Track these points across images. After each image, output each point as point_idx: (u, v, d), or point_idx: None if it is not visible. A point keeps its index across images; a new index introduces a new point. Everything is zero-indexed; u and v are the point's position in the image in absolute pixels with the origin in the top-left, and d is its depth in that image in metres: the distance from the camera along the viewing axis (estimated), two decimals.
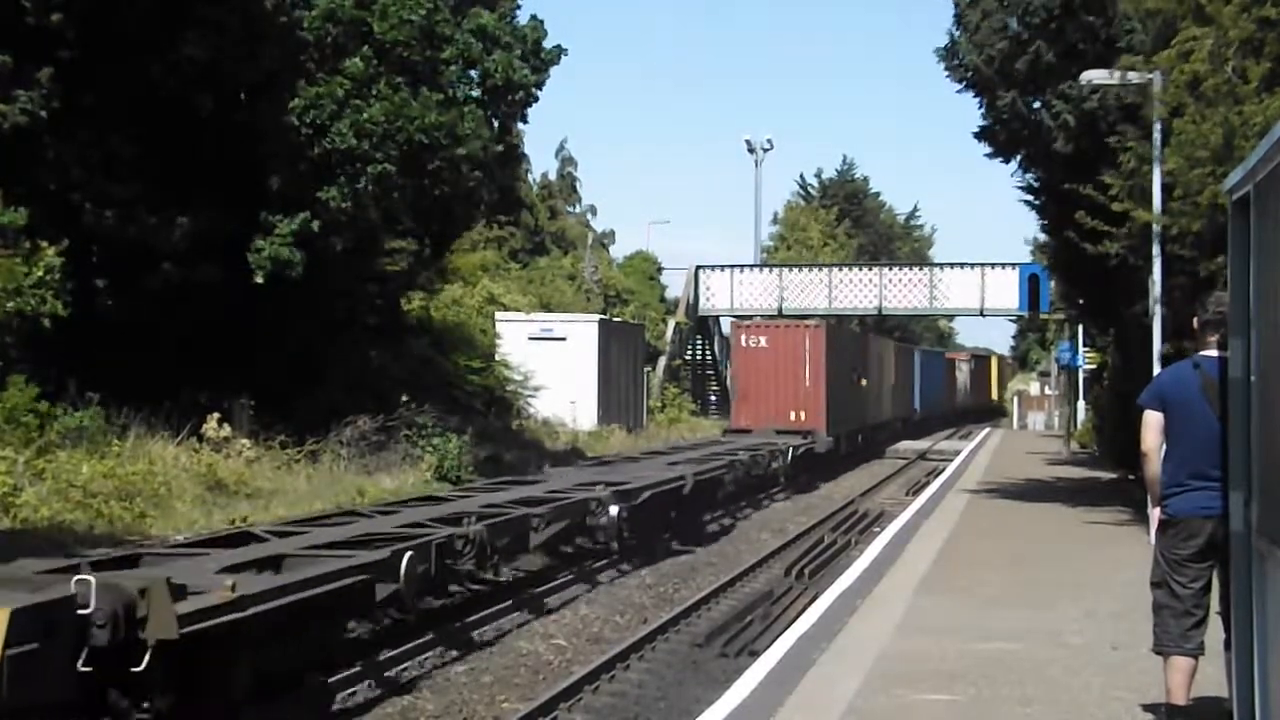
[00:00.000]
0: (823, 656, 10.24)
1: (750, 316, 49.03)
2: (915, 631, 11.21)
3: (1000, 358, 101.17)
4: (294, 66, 24.77)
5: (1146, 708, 8.40)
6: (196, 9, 22.71)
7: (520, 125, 32.21)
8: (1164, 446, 7.44)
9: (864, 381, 41.24)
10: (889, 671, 9.61)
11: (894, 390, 50.05)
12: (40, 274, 19.50)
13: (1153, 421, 7.45)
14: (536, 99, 28.93)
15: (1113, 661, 9.94)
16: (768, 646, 11.55)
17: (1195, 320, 7.56)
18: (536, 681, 12.19)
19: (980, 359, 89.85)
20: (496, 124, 28.87)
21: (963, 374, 78.73)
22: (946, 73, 24.24)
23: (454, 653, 13.04)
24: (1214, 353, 7.31)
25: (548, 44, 29.24)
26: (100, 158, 22.17)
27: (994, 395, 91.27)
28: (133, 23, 22.42)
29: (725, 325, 54.29)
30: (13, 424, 19.27)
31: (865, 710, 8.53)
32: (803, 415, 34.06)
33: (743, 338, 35.70)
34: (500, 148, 28.55)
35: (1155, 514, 7.58)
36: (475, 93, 27.87)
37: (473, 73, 27.60)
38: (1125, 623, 10.98)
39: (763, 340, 35.04)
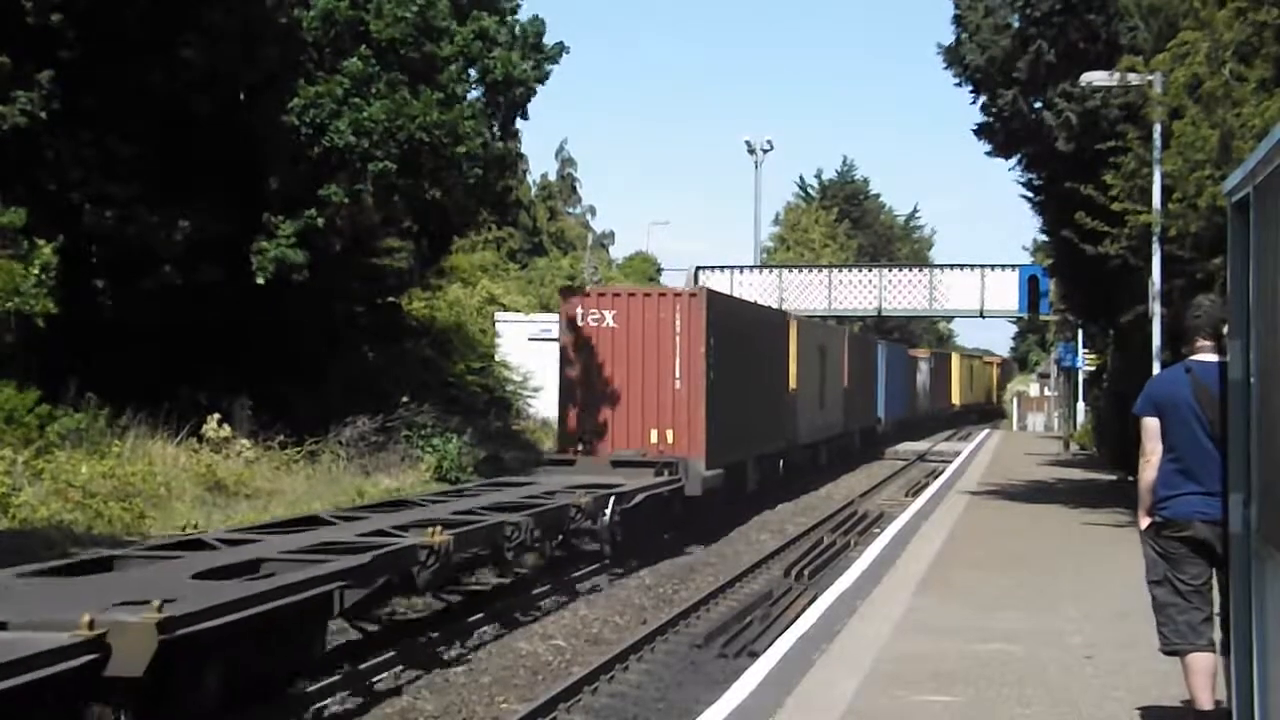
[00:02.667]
0: (822, 658, 10.23)
1: None
2: (914, 632, 11.20)
3: (963, 354, 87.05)
4: (293, 67, 24.81)
5: (1146, 709, 8.40)
6: (196, 10, 22.74)
7: (520, 125, 32.25)
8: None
9: (793, 385, 30.88)
10: (888, 672, 9.61)
11: (847, 395, 39.31)
12: (37, 273, 19.52)
13: (1152, 428, 7.37)
14: (535, 93, 28.96)
15: (1113, 662, 9.94)
16: (767, 647, 11.55)
17: (1184, 325, 7.51)
18: (535, 682, 12.18)
19: (940, 357, 74.66)
20: (496, 123, 28.87)
21: (923, 375, 64.80)
22: (948, 68, 24.27)
23: (453, 654, 13.04)
24: (1205, 357, 7.26)
25: (548, 41, 29.28)
26: (100, 158, 22.19)
27: (955, 400, 76.78)
28: (133, 24, 22.44)
29: None
30: (12, 424, 19.29)
31: (865, 711, 8.52)
32: (668, 435, 22.33)
33: (578, 312, 23.02)
34: (499, 142, 28.52)
35: (1144, 522, 7.52)
36: (475, 91, 27.89)
37: (472, 70, 27.62)
38: (1125, 623, 10.98)
39: (608, 316, 22.70)
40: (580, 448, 22.30)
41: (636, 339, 22.66)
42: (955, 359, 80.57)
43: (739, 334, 25.10)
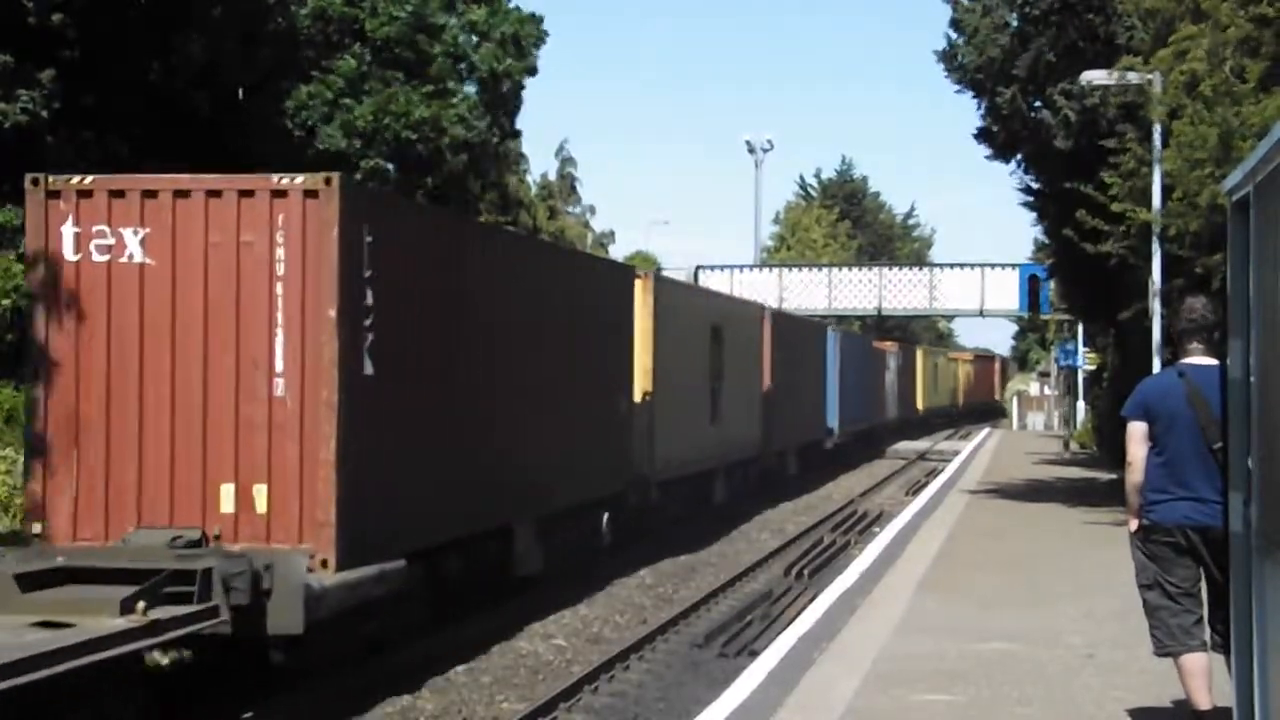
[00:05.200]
0: (822, 656, 10.24)
1: None
2: (915, 631, 11.21)
3: (927, 349, 73.02)
4: (289, 66, 24.87)
5: (1146, 708, 8.41)
6: (195, 10, 22.78)
7: (520, 125, 32.44)
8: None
9: (646, 387, 19.91)
10: (888, 671, 9.61)
11: (768, 401, 29.00)
12: None
13: (1137, 432, 7.37)
14: (524, 86, 29.16)
15: (1112, 661, 9.95)
16: (767, 646, 11.55)
17: (1173, 329, 7.49)
18: (536, 682, 12.19)
19: (907, 351, 62.56)
20: (491, 118, 28.99)
21: (890, 373, 53.73)
22: (946, 74, 24.31)
23: (454, 653, 13.03)
24: (1197, 360, 7.25)
25: (532, 31, 29.57)
26: (100, 157, 22.23)
27: (919, 405, 64.45)
28: (133, 23, 22.48)
29: None
30: (12, 424, 19.27)
31: (864, 710, 8.53)
32: (258, 497, 10.60)
33: (68, 234, 10.87)
34: (494, 131, 28.56)
35: (1133, 524, 7.52)
36: (470, 86, 28.02)
37: (461, 67, 27.75)
38: (1125, 623, 10.97)
39: (132, 241, 10.84)
40: (38, 528, 10.77)
41: (192, 290, 10.93)
42: (919, 354, 66.59)
43: (476, 290, 13.50)
